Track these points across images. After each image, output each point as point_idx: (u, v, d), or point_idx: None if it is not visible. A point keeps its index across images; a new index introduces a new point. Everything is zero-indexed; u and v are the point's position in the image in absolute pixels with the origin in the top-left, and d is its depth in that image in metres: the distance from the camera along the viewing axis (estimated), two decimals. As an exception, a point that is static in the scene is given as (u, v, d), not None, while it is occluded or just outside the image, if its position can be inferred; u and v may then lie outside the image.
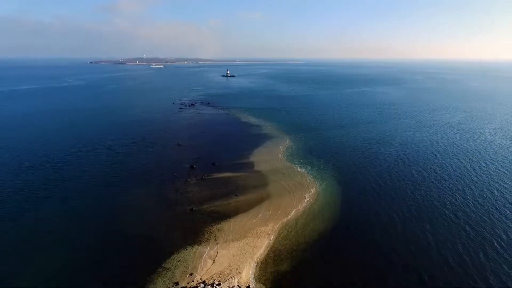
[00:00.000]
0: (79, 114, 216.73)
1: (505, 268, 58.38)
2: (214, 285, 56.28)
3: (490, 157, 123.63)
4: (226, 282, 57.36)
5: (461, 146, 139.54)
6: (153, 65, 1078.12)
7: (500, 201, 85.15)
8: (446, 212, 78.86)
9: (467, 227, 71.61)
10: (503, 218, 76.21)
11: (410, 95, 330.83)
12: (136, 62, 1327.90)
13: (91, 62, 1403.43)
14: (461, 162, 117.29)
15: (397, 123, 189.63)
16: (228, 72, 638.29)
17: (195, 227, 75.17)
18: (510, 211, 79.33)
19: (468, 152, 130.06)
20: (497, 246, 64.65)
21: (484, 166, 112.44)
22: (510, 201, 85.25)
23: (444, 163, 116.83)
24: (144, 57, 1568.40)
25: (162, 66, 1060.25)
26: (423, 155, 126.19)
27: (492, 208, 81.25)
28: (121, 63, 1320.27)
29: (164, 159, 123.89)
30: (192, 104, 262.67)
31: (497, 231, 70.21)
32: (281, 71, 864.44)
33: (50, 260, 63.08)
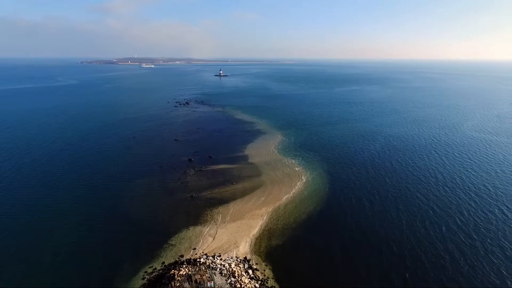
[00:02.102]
0: (79, 112, 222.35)
1: (461, 237, 68.50)
2: (215, 256, 64.39)
3: (464, 149, 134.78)
4: (226, 254, 65.57)
5: (439, 140, 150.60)
6: (143, 65, 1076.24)
7: (467, 186, 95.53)
8: (418, 195, 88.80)
9: (435, 207, 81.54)
10: (467, 199, 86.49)
11: (397, 94, 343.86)
12: (128, 62, 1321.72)
13: (82, 62, 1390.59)
14: (437, 153, 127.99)
15: (383, 119, 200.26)
16: (221, 71, 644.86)
17: (195, 211, 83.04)
18: (474, 194, 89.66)
19: (445, 145, 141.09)
20: (458, 221, 74.65)
21: (457, 157, 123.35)
22: (476, 186, 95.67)
23: (421, 154, 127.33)
24: (135, 57, 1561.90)
25: (153, 66, 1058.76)
26: (403, 148, 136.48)
27: (459, 192, 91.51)
28: (112, 63, 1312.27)
29: (163, 153, 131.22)
30: (186, 102, 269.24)
31: (460, 209, 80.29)
32: (273, 70, 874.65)
33: (70, 236, 70.38)
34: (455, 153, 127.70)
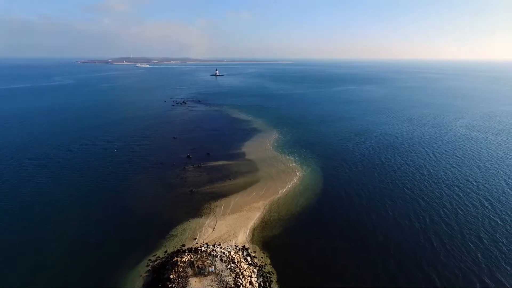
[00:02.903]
0: (79, 111, 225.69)
1: (444, 227, 73.61)
2: (216, 245, 68.62)
3: (452, 146, 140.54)
4: (225, 243, 69.84)
5: (429, 137, 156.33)
6: (138, 65, 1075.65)
7: (452, 180, 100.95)
8: (405, 189, 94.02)
9: (420, 200, 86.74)
10: (452, 193, 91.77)
11: (392, 93, 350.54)
12: (123, 62, 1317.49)
13: (77, 61, 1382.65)
14: (425, 150, 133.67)
15: (376, 118, 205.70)
16: (217, 71, 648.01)
17: (195, 205, 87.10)
18: (458, 188, 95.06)
19: (434, 142, 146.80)
20: (441, 213, 79.78)
21: (444, 153, 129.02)
22: (460, 181, 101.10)
23: (410, 151, 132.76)
24: (131, 56, 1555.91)
25: (148, 66, 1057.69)
26: (394, 145, 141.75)
27: (444, 186, 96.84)
28: (107, 62, 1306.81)
29: (162, 150, 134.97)
30: (183, 102, 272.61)
31: (444, 202, 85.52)
32: (269, 70, 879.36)
33: (75, 228, 74.14)
34: (443, 150, 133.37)
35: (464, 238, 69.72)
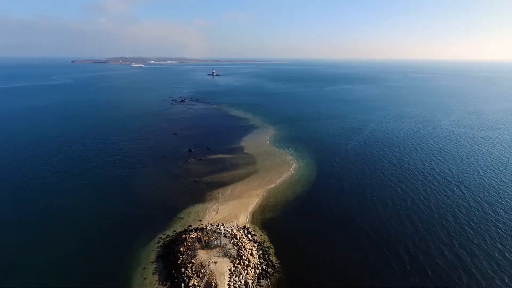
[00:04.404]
0: (81, 109, 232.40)
1: (422, 208, 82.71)
2: (219, 225, 76.46)
3: (437, 140, 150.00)
4: (228, 224, 77.67)
5: (417, 133, 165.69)
6: (133, 64, 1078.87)
7: (434, 170, 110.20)
8: (391, 178, 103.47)
9: (403, 186, 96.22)
10: (431, 180, 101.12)
11: (385, 92, 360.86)
12: (119, 62, 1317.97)
13: (73, 61, 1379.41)
14: (412, 144, 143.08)
15: (369, 116, 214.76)
16: (214, 71, 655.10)
17: (199, 192, 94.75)
18: (437, 177, 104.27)
19: (422, 137, 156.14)
20: (422, 198, 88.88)
21: (430, 147, 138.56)
22: (442, 170, 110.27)
23: (398, 145, 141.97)
24: (127, 56, 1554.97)
25: (142, 65, 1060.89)
26: (382, 140, 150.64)
27: (427, 174, 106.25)
28: (104, 62, 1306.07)
29: (164, 145, 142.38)
30: (182, 100, 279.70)
31: (425, 188, 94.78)
32: (266, 70, 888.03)
33: (91, 213, 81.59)
34: (429, 144, 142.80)
35: (440, 216, 78.71)
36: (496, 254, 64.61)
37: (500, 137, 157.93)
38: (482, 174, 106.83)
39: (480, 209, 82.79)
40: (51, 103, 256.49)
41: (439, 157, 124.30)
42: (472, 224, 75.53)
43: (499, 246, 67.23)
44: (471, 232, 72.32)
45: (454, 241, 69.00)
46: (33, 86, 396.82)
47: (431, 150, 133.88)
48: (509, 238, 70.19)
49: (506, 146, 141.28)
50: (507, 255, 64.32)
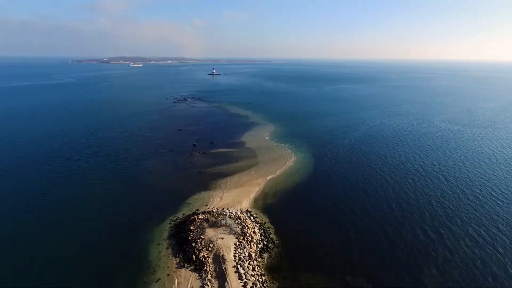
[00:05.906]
0: (88, 107, 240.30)
1: (404, 196, 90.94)
2: (224, 209, 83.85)
3: (428, 136, 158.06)
4: (232, 208, 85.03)
5: (410, 129, 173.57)
6: (132, 64, 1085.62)
7: (420, 163, 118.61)
8: (378, 170, 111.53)
9: (389, 177, 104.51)
10: (416, 172, 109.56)
11: (382, 92, 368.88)
12: (119, 61, 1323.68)
13: (73, 60, 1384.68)
14: (401, 140, 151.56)
15: (365, 114, 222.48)
16: (214, 70, 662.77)
17: (204, 182, 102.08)
18: (423, 169, 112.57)
19: (414, 133, 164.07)
20: (409, 186, 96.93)
21: (420, 142, 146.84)
22: (426, 163, 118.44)
23: (391, 140, 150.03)
24: (126, 56, 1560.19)
25: (141, 65, 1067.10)
26: (376, 136, 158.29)
27: (413, 167, 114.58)
28: (103, 61, 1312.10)
29: (169, 140, 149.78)
30: (184, 99, 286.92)
31: (410, 180, 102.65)
32: (265, 70, 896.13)
33: (105, 199, 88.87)
34: (420, 139, 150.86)
35: (418, 202, 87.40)
36: (470, 230, 72.66)
37: (488, 133, 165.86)
38: (462, 166, 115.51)
39: (456, 196, 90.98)
40: (57, 102, 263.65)
41: (425, 152, 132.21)
42: (447, 209, 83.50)
43: (474, 225, 75.09)
44: (447, 217, 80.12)
45: (435, 223, 76.69)
46: (36, 85, 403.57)
47: (419, 145, 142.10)
48: (483, 218, 78.51)
49: (494, 141, 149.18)
50: (482, 232, 72.12)
